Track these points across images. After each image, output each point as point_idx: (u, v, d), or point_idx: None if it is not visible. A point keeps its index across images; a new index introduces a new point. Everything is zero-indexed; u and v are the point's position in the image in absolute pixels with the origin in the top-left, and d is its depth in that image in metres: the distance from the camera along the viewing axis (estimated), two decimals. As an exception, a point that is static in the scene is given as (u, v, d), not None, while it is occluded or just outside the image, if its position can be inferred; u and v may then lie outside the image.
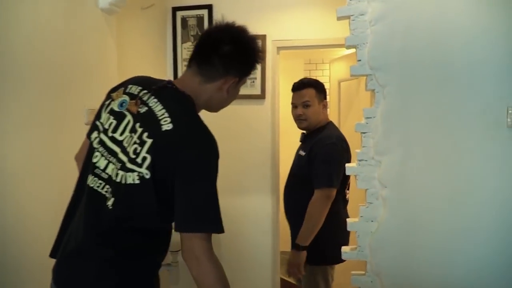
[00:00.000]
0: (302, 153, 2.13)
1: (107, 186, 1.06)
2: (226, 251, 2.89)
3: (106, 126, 1.12)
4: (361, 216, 1.73)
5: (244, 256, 2.85)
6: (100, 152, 1.10)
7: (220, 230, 1.04)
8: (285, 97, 2.68)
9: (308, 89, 2.10)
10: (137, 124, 1.06)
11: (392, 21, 1.62)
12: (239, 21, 2.78)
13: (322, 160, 2.03)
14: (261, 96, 2.77)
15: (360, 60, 1.68)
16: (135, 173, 1.02)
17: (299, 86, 2.11)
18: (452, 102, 1.58)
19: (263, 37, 2.73)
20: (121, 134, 1.08)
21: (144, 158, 1.01)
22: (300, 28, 2.69)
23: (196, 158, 1.03)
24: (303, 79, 2.19)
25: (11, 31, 1.45)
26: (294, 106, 2.13)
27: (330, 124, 2.18)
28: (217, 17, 2.81)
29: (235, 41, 1.20)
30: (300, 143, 2.26)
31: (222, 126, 2.90)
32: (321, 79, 4.42)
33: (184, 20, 2.85)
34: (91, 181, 1.09)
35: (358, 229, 1.73)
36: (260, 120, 2.81)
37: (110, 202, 1.04)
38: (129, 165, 1.03)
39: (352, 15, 1.68)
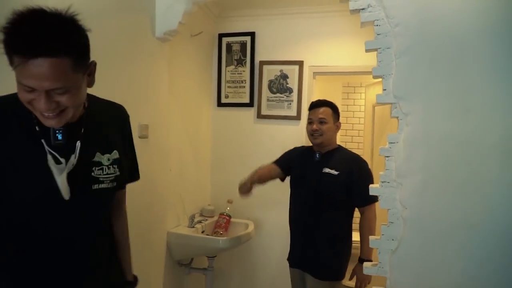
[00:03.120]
0: (334, 172, 2.09)
1: None
2: (254, 261, 3.01)
3: None
4: (383, 234, 1.80)
5: (270, 267, 2.96)
6: None
7: None
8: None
9: (325, 108, 2.15)
10: None
11: (416, 54, 1.70)
12: (279, 47, 2.98)
13: (367, 178, 2.10)
14: (297, 118, 2.90)
15: (385, 89, 1.78)
16: None
17: (317, 104, 2.17)
18: (472, 132, 1.64)
19: (301, 62, 2.87)
20: None
21: None
22: (335, 55, 2.80)
23: None
24: (320, 99, 2.23)
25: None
26: (310, 122, 2.17)
27: (342, 146, 2.26)
28: (259, 43, 3.01)
29: None
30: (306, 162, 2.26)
31: (259, 144, 3.09)
32: (358, 102, 4.60)
33: (229, 46, 3.05)
34: None
35: (380, 246, 1.80)
36: (295, 139, 2.91)
37: None
38: None
39: (379, 48, 1.78)
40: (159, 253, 2.38)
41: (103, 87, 1.76)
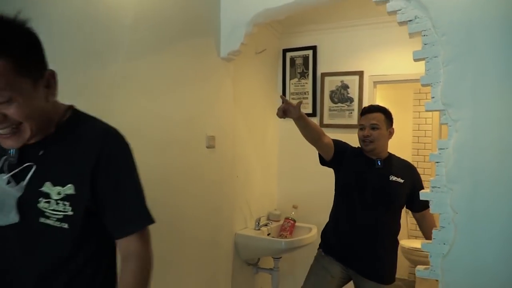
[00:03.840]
0: (400, 180, 2.09)
1: None
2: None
3: None
4: (434, 239, 1.82)
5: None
6: None
7: None
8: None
9: (378, 113, 2.09)
10: None
11: (464, 62, 1.72)
12: (339, 59, 3.08)
13: (422, 182, 2.15)
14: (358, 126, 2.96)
15: (433, 97, 1.81)
16: None
17: (369, 110, 2.12)
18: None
19: (361, 73, 2.93)
20: None
21: None
22: (395, 63, 2.82)
23: None
24: (373, 104, 2.18)
25: (158, 78, 1.96)
26: (361, 128, 2.12)
27: (392, 153, 2.20)
28: (320, 56, 3.14)
29: None
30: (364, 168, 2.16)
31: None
32: (430, 108, 4.46)
33: (292, 60, 3.21)
34: None
35: (431, 250, 1.82)
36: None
37: None
38: None
39: (426, 57, 1.83)
40: (227, 253, 2.59)
41: (174, 104, 2.04)
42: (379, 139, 2.08)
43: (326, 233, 2.29)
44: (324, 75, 3.09)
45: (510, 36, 1.64)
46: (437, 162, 1.80)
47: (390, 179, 2.08)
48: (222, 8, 2.34)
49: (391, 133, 2.14)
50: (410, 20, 1.87)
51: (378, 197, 2.09)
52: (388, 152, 2.19)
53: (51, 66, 0.94)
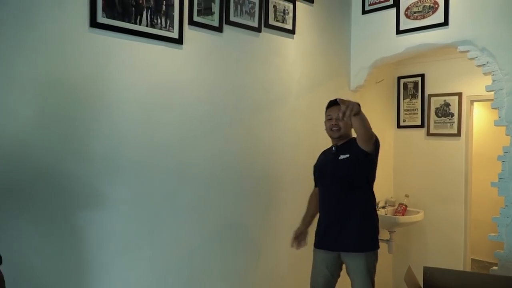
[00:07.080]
0: (346, 156, 2.19)
1: None
2: (426, 241, 3.80)
3: None
4: (501, 214, 2.49)
5: (438, 246, 3.70)
6: None
7: None
8: (477, 135, 3.40)
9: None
10: None
11: (521, 93, 2.39)
12: (442, 83, 3.76)
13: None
14: (457, 135, 3.55)
15: (500, 117, 2.49)
16: None
17: (336, 103, 2.13)
18: None
19: (460, 94, 3.53)
20: None
21: None
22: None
23: None
24: (337, 98, 2.14)
25: (310, 108, 3.02)
26: (329, 118, 2.27)
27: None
28: (428, 81, 3.83)
29: None
30: (320, 154, 2.44)
31: (428, 155, 3.84)
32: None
33: (405, 84, 3.93)
34: None
35: (499, 221, 2.49)
36: (455, 150, 3.57)
37: None
38: None
39: (494, 90, 2.51)
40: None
41: (318, 123, 3.03)
42: (344, 127, 2.25)
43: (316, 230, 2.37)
44: (430, 96, 3.75)
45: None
46: (503, 161, 2.49)
47: (340, 158, 2.21)
48: (352, 58, 3.28)
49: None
50: (484, 64, 2.57)
51: (334, 177, 2.24)
52: (349, 138, 2.30)
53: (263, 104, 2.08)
